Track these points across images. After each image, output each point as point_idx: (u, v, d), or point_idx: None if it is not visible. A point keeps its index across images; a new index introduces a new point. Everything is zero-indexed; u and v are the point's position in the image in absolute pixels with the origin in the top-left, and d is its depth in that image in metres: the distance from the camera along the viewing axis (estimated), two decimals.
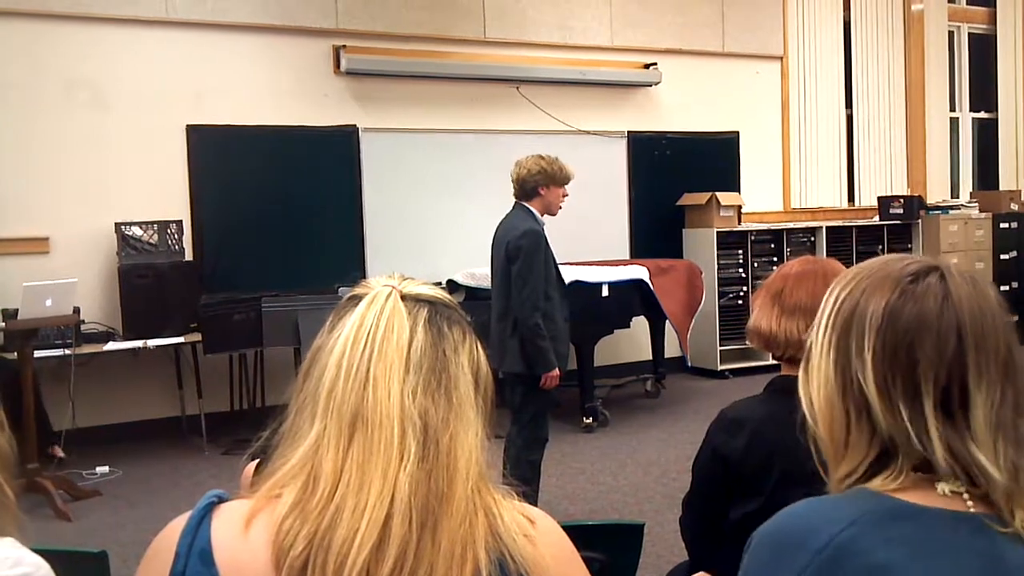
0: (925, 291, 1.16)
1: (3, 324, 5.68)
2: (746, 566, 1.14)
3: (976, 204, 10.16)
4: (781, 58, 9.66)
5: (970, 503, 1.10)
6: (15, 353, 5.44)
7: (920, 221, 9.77)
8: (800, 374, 1.23)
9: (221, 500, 1.14)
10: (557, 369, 4.51)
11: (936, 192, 10.42)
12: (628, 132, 8.79)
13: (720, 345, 8.64)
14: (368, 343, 1.14)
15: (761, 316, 2.29)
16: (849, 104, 10.13)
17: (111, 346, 6.30)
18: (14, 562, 1.37)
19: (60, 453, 5.96)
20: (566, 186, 4.73)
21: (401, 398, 1.12)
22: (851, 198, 10.19)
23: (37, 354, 5.58)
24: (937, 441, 1.10)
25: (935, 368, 1.12)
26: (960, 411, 1.11)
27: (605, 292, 7.15)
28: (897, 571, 1.04)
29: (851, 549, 1.05)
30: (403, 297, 1.19)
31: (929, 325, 1.13)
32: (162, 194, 6.94)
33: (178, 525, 1.12)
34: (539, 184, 4.62)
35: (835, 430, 1.16)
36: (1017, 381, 1.15)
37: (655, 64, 8.79)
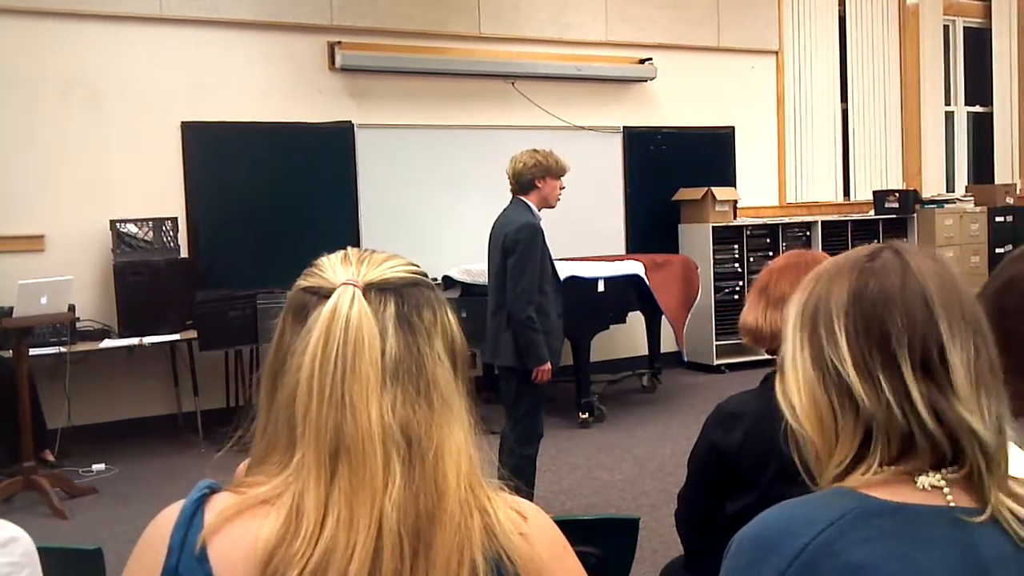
0: (884, 267, 1.19)
1: None
2: (726, 570, 1.14)
3: (971, 198, 10.18)
4: (776, 52, 9.65)
5: (950, 497, 1.10)
6: (10, 351, 5.43)
7: (915, 215, 9.78)
8: (777, 386, 1.23)
9: (213, 491, 1.12)
10: (549, 363, 4.51)
11: (931, 186, 10.43)
12: (623, 127, 8.79)
13: (716, 340, 8.65)
14: (339, 361, 1.07)
15: (748, 311, 2.31)
16: (844, 98, 10.13)
17: (106, 344, 6.29)
18: (7, 539, 1.44)
19: (51, 457, 5.95)
20: (562, 178, 4.73)
21: (381, 418, 1.06)
22: (846, 192, 10.20)
23: (32, 352, 5.58)
24: (921, 405, 1.11)
25: (908, 335, 1.14)
26: (942, 370, 1.12)
27: (601, 287, 7.16)
28: (874, 570, 1.05)
29: (829, 551, 1.05)
30: (366, 290, 1.12)
31: (893, 295, 1.16)
32: (157, 191, 6.93)
33: (171, 516, 1.10)
34: (536, 177, 4.62)
35: (824, 424, 1.16)
36: (989, 344, 1.17)
37: (650, 59, 8.78)
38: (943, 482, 1.11)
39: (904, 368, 1.12)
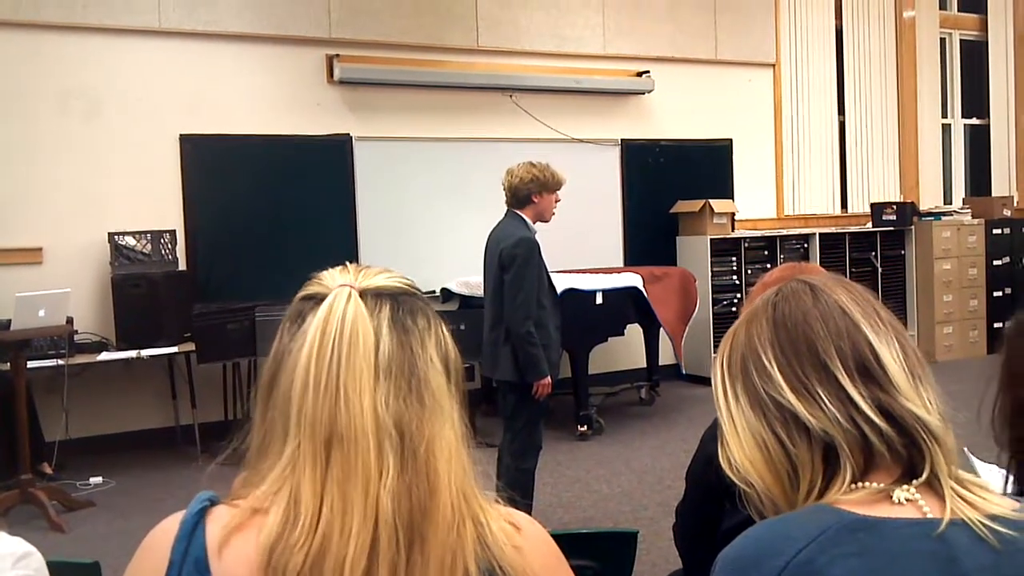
0: (792, 292, 1.24)
1: None
2: None
3: (969, 210, 10.19)
4: (773, 65, 9.68)
5: (926, 509, 1.11)
6: (8, 364, 5.42)
7: (913, 227, 9.80)
8: (720, 453, 1.23)
9: (213, 503, 1.12)
10: (549, 377, 4.50)
11: (929, 198, 10.44)
12: (621, 140, 8.80)
13: (714, 352, 8.63)
14: (334, 354, 1.10)
15: None
16: (841, 111, 10.16)
17: (104, 356, 6.29)
18: (23, 553, 1.48)
19: (49, 470, 5.94)
20: (558, 192, 4.73)
21: (374, 409, 1.08)
22: (844, 205, 10.21)
23: (30, 365, 5.57)
24: (865, 406, 1.13)
25: (834, 342, 1.17)
26: (877, 369, 1.16)
27: (599, 300, 7.16)
28: None
29: (809, 568, 1.06)
30: (362, 294, 1.14)
31: (809, 311, 1.21)
32: (155, 204, 6.94)
33: (171, 528, 1.10)
34: (532, 192, 4.61)
35: (776, 464, 1.17)
36: (911, 342, 1.21)
37: (648, 72, 8.81)
38: (917, 494, 1.12)
39: (840, 376, 1.15)
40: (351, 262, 1.24)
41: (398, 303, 1.16)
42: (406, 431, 1.09)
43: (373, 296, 1.15)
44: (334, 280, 1.18)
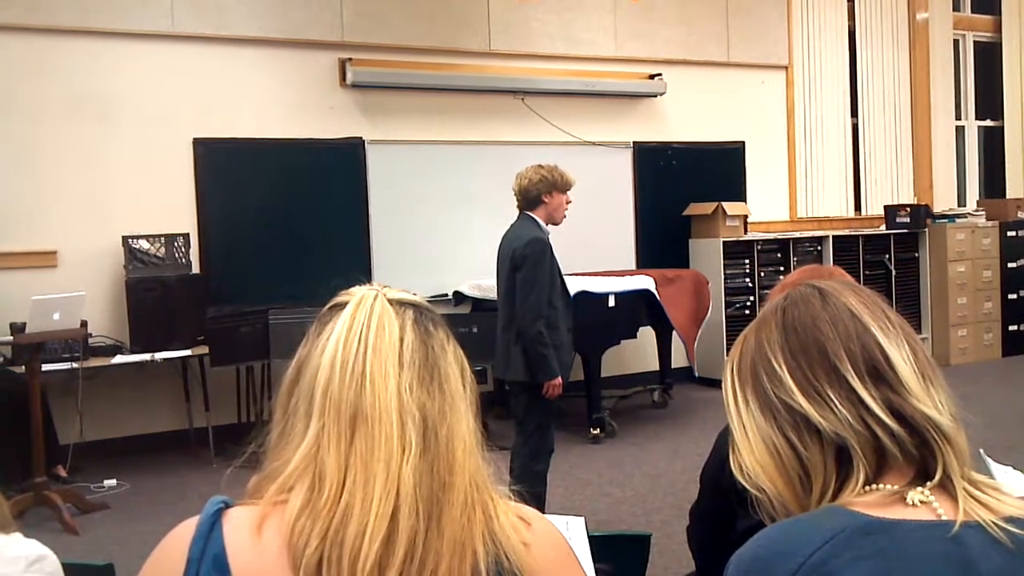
0: (802, 296, 1.25)
1: (11, 338, 5.69)
2: None
3: (983, 212, 10.14)
4: (786, 67, 9.66)
5: (941, 511, 1.11)
6: (23, 367, 5.45)
7: (927, 230, 9.76)
8: (731, 459, 1.24)
9: (227, 505, 1.14)
10: (559, 378, 4.51)
11: (942, 200, 10.40)
12: (633, 142, 8.80)
13: (727, 355, 8.59)
14: (362, 340, 1.15)
15: None
16: (855, 113, 10.13)
17: (119, 359, 6.31)
18: (38, 556, 1.48)
19: (63, 473, 5.95)
20: (568, 193, 4.74)
21: (399, 392, 1.13)
22: (857, 207, 10.18)
23: (45, 368, 5.59)
24: (876, 408, 1.13)
25: (844, 344, 1.17)
26: (888, 371, 1.16)
27: (611, 302, 7.15)
28: None
29: (823, 570, 1.06)
30: (388, 300, 1.21)
31: (819, 314, 1.21)
32: (169, 207, 6.96)
33: (187, 530, 1.12)
34: (542, 192, 4.63)
35: (788, 467, 1.17)
36: (920, 344, 1.21)
37: (660, 75, 8.80)
38: (932, 496, 1.11)
39: (850, 378, 1.15)
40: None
41: (420, 311, 1.23)
42: (428, 415, 1.14)
43: (397, 303, 1.22)
44: (360, 289, 1.24)
